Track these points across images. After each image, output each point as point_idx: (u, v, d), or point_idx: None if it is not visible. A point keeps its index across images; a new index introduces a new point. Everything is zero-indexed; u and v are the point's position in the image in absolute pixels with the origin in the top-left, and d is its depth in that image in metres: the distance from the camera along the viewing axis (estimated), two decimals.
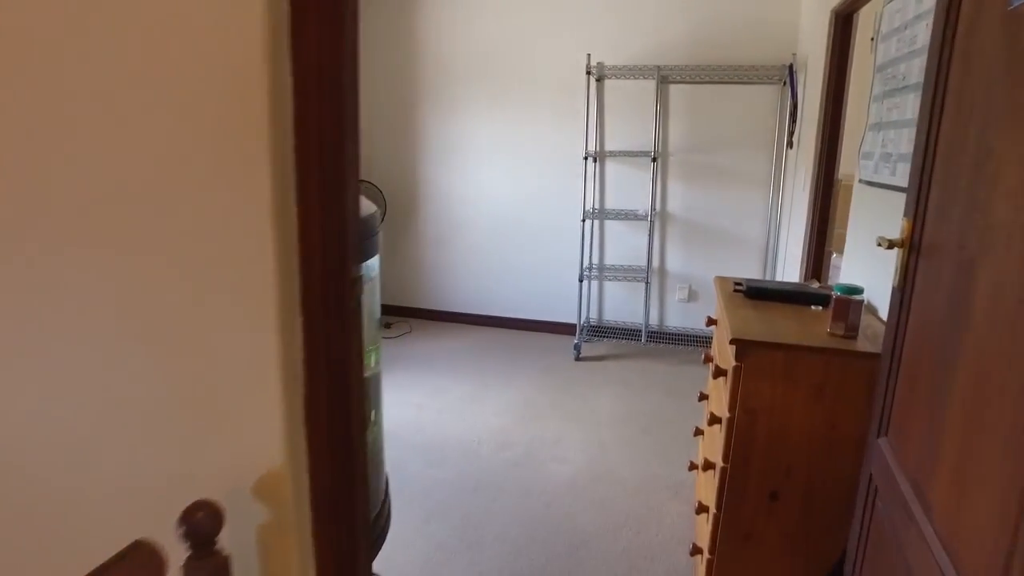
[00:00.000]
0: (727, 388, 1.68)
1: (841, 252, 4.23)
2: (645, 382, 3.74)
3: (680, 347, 4.27)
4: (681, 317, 4.40)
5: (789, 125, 3.57)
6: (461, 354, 4.16)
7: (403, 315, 4.95)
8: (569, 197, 4.38)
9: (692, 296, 4.34)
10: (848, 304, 1.59)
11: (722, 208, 4.15)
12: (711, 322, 2.23)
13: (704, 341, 4.31)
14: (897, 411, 1.21)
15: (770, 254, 4.13)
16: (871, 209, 2.03)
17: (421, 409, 3.31)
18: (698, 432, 2.25)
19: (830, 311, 1.66)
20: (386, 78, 4.62)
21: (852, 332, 1.60)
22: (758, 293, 1.97)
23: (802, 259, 3.25)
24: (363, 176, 4.79)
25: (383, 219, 4.61)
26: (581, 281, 4.11)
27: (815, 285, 2.04)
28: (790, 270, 3.52)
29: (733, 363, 1.61)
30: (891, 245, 1.24)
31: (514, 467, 2.75)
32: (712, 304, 4.33)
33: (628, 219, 4.27)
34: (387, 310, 4.99)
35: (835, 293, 1.62)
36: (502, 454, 2.86)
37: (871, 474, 1.29)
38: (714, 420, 1.83)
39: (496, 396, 3.50)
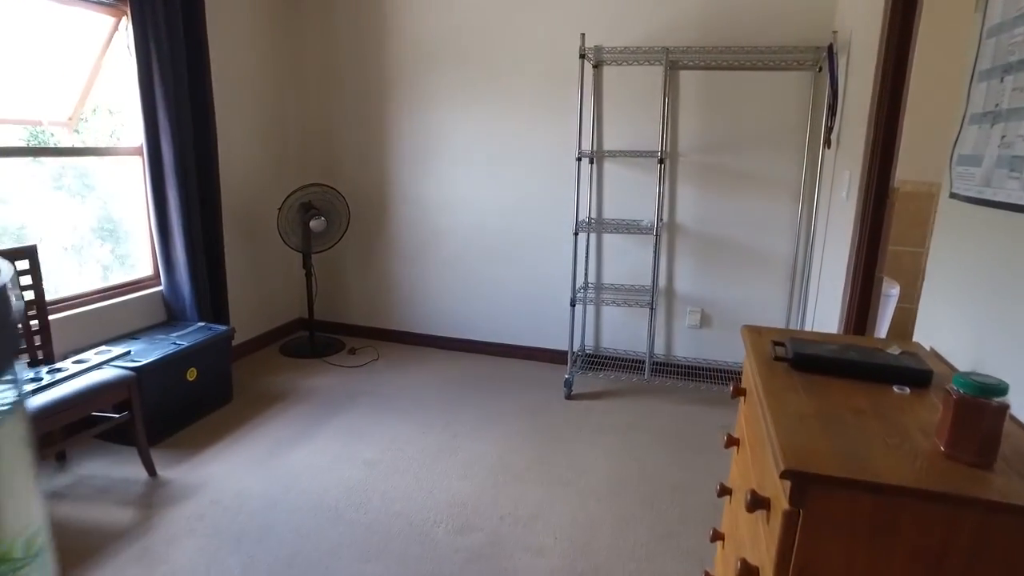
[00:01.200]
0: (770, 534, 1.04)
1: (894, 279, 3.60)
2: (649, 430, 3.09)
3: (691, 382, 3.63)
4: (692, 346, 3.75)
5: (827, 120, 2.92)
6: (431, 390, 3.52)
7: (371, 338, 4.32)
8: (561, 205, 3.74)
9: (705, 321, 3.69)
10: (983, 411, 0.95)
11: (742, 219, 3.50)
12: (738, 392, 1.59)
13: (719, 376, 3.66)
14: None
15: (799, 275, 3.47)
16: (977, 237, 1.38)
17: (372, 468, 2.68)
18: (723, 492, 1.59)
19: (940, 412, 1.02)
20: (351, 67, 3.99)
21: (988, 458, 0.95)
22: (810, 363, 1.33)
23: (845, 285, 2.60)
24: (325, 180, 4.17)
25: (347, 229, 3.99)
26: (574, 305, 3.46)
27: (896, 350, 1.39)
28: (827, 298, 2.86)
29: (785, 505, 0.97)
30: None
31: (473, 562, 2.12)
32: (729, 333, 3.68)
33: (630, 232, 3.62)
34: (353, 331, 4.36)
35: (955, 391, 0.97)
36: (461, 540, 2.22)
37: None
38: (758, 503, 1.19)
39: (466, 450, 2.86)
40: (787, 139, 3.35)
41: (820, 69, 3.16)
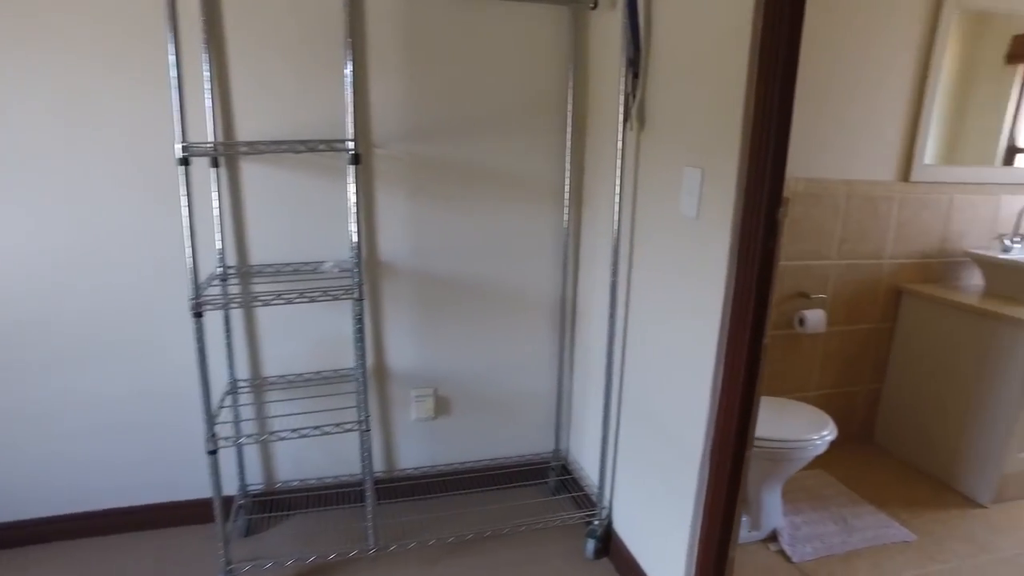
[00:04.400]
0: None
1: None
2: None
3: (438, 499, 2.27)
4: (427, 449, 2.39)
5: (626, 83, 1.80)
6: None
7: None
8: (160, 248, 1.96)
9: (442, 408, 2.36)
10: None
11: (487, 245, 2.23)
12: None
13: (473, 481, 2.38)
14: None
15: (568, 322, 2.37)
16: None
17: None
18: None
19: None
20: None
21: None
22: None
23: (696, 366, 1.53)
24: None
25: None
26: (212, 424, 1.77)
27: None
28: (635, 377, 1.79)
29: None
30: None
31: None
32: (479, 418, 2.41)
33: (300, 278, 2.06)
34: None
35: None
36: None
37: None
38: None
39: None
40: (553, 117, 2.17)
41: (594, 5, 2.04)
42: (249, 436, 2.00)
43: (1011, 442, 2.40)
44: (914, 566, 2.11)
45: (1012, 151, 2.74)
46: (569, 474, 2.46)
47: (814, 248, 2.61)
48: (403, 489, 2.37)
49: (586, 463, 2.36)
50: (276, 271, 2.02)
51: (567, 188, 2.21)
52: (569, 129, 2.17)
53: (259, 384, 2.14)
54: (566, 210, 2.24)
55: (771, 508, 2.21)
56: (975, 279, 2.86)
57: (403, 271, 2.16)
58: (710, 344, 1.53)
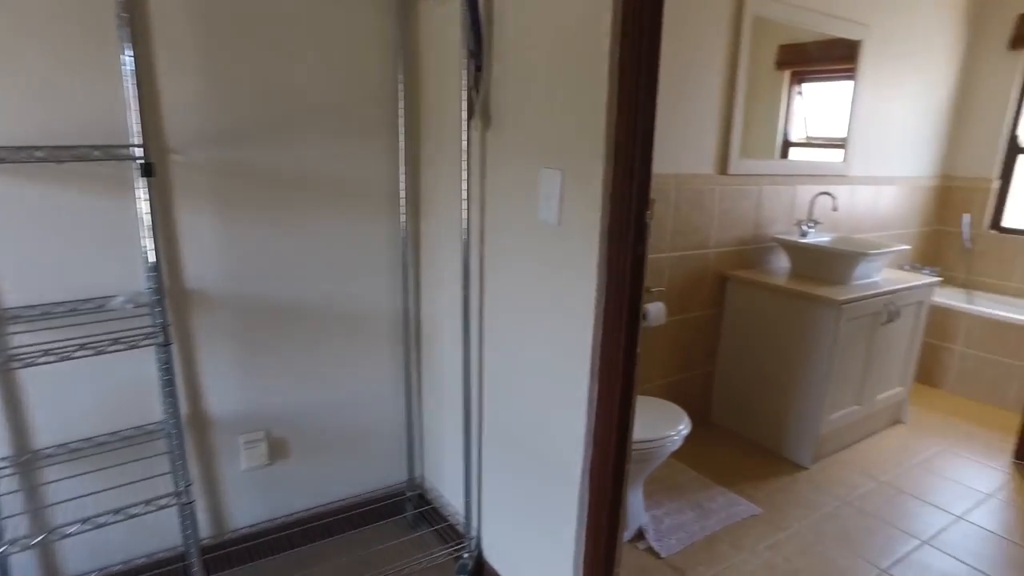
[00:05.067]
0: None
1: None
2: None
3: (283, 558, 1.96)
4: (264, 501, 2.05)
5: (470, 76, 1.62)
6: None
7: None
8: None
9: (277, 451, 2.04)
10: None
11: (317, 261, 1.95)
12: None
13: (323, 530, 2.09)
14: None
15: (413, 341, 2.17)
16: None
17: None
18: None
19: None
20: None
21: None
22: None
23: (565, 382, 1.43)
24: None
25: None
26: None
27: None
28: (498, 396, 1.66)
29: None
30: None
31: None
32: (324, 456, 2.13)
33: (81, 320, 1.63)
34: None
35: None
36: None
37: None
38: None
39: None
40: (386, 114, 1.93)
41: None
42: (15, 541, 1.54)
43: (824, 407, 2.65)
44: (765, 538, 2.23)
45: (786, 145, 3.03)
46: (429, 504, 2.27)
47: (652, 241, 2.67)
48: (239, 554, 2.01)
49: (447, 491, 2.19)
50: (44, 313, 1.58)
51: (403, 194, 2.01)
52: (402, 128, 1.96)
53: (27, 462, 1.67)
54: (403, 218, 2.03)
55: (635, 507, 2.21)
56: (784, 262, 3.13)
57: (217, 299, 1.81)
58: (582, 359, 1.43)
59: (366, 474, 2.23)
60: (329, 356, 2.04)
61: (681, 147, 2.61)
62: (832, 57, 3.05)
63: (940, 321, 3.56)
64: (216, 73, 1.67)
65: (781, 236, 3.00)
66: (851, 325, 2.61)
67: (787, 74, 2.90)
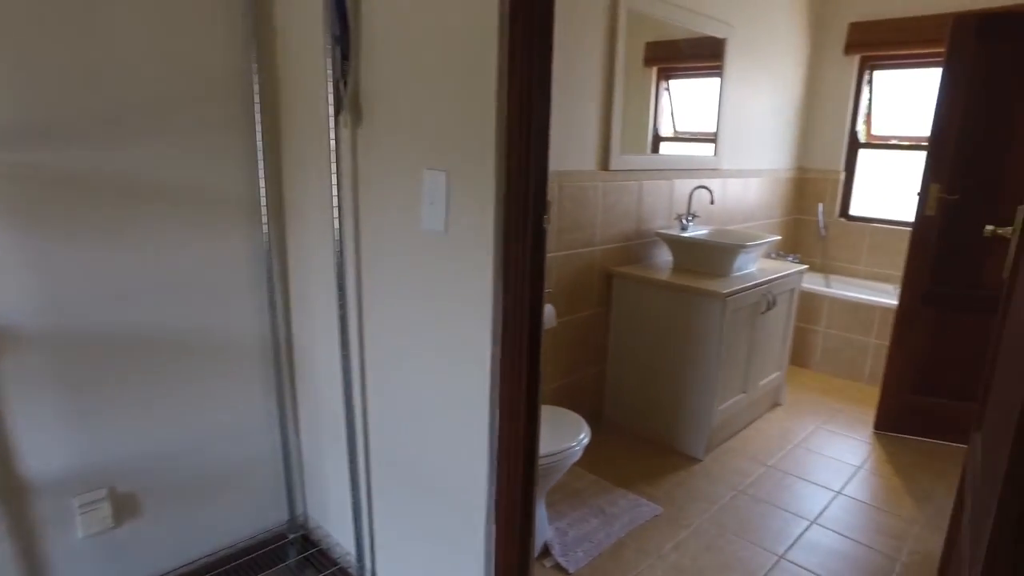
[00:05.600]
0: None
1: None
2: None
3: None
4: (113, 571, 1.72)
5: (336, 68, 1.41)
6: None
7: None
8: None
9: (126, 510, 1.72)
10: None
11: (163, 283, 1.65)
12: None
13: None
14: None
15: (286, 368, 1.93)
16: None
17: None
18: None
19: None
20: None
21: None
22: None
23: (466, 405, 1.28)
24: None
25: None
26: None
27: None
28: (387, 425, 1.48)
29: None
30: None
31: None
32: (185, 509, 1.83)
33: None
34: None
35: None
36: None
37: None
38: None
39: None
40: (238, 108, 1.67)
41: None
42: None
43: (715, 399, 2.69)
44: (670, 538, 2.20)
45: (657, 140, 3.06)
46: (315, 545, 2.03)
47: None
48: None
49: (335, 529, 1.96)
50: None
51: (263, 200, 1.76)
52: (259, 125, 1.71)
53: None
54: (265, 228, 1.78)
55: (539, 522, 2.10)
56: (667, 255, 3.16)
57: (31, 337, 1.47)
58: (481, 380, 1.28)
59: (239, 520, 1.95)
60: (185, 391, 1.75)
61: (563, 143, 2.53)
62: (699, 55, 3.12)
63: (806, 305, 3.78)
64: (14, 55, 1.34)
65: (663, 231, 3.03)
66: (735, 316, 2.67)
67: (655, 70, 2.92)
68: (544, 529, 2.14)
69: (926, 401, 2.96)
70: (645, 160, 2.94)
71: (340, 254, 1.56)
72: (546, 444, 1.92)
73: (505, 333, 1.23)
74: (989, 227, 1.31)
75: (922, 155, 3.74)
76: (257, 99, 1.69)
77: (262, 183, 1.76)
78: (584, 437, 2.01)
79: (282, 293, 1.88)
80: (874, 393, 3.43)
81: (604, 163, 2.73)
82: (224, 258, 1.75)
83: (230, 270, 1.77)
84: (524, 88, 1.07)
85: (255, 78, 1.67)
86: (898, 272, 3.91)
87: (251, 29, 1.65)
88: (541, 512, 2.10)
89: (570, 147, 2.58)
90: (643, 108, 2.91)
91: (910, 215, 3.91)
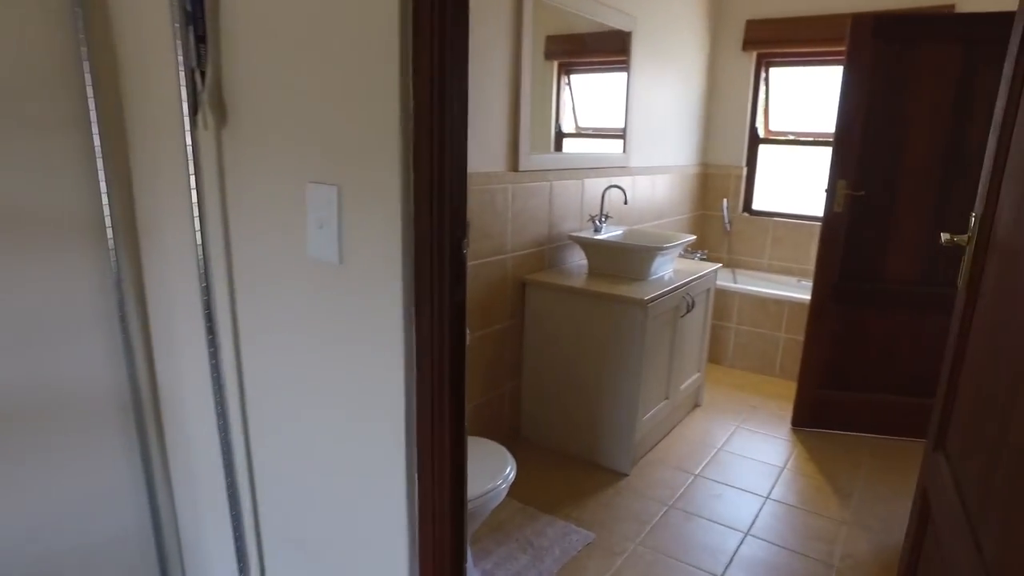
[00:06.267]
0: None
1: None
2: None
3: None
4: None
5: (190, 54, 1.10)
6: None
7: None
8: None
9: None
10: None
11: None
12: None
13: None
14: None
15: (152, 425, 1.58)
16: None
17: None
18: None
19: None
20: None
21: None
22: None
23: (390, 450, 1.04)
24: None
25: None
26: None
27: None
28: (279, 491, 1.20)
29: None
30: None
31: None
32: None
33: None
34: None
35: None
36: None
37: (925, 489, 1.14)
38: None
39: None
40: (72, 105, 1.30)
41: None
42: None
43: (638, 409, 2.56)
44: (603, 568, 2.04)
45: (560, 137, 2.90)
46: None
47: None
48: None
49: None
50: None
51: (108, 221, 1.42)
52: (95, 124, 1.37)
53: None
54: (113, 255, 1.44)
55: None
56: (581, 259, 3.01)
57: None
58: (394, 438, 1.04)
59: None
60: (21, 466, 1.37)
61: (470, 142, 2.30)
62: (604, 49, 2.98)
63: (718, 302, 3.77)
64: None
65: (576, 234, 2.87)
66: (656, 322, 2.55)
67: (555, 65, 2.75)
68: (471, 573, 1.91)
69: (838, 395, 2.99)
70: (556, 159, 2.77)
71: (207, 285, 1.26)
72: (472, 485, 1.69)
73: (422, 385, 0.99)
74: (945, 235, 1.21)
75: (822, 151, 3.85)
76: (90, 90, 1.34)
77: (104, 197, 1.41)
78: (510, 472, 1.80)
79: (141, 331, 1.54)
80: (787, 386, 3.46)
81: (513, 163, 2.53)
82: (62, 293, 1.39)
83: (71, 307, 1.41)
84: (436, 75, 0.83)
85: (85, 64, 1.32)
86: (800, 265, 3.99)
87: (76, 3, 1.30)
88: (467, 557, 1.88)
89: (476, 146, 2.36)
90: (546, 104, 2.73)
91: (812, 209, 4.03)
